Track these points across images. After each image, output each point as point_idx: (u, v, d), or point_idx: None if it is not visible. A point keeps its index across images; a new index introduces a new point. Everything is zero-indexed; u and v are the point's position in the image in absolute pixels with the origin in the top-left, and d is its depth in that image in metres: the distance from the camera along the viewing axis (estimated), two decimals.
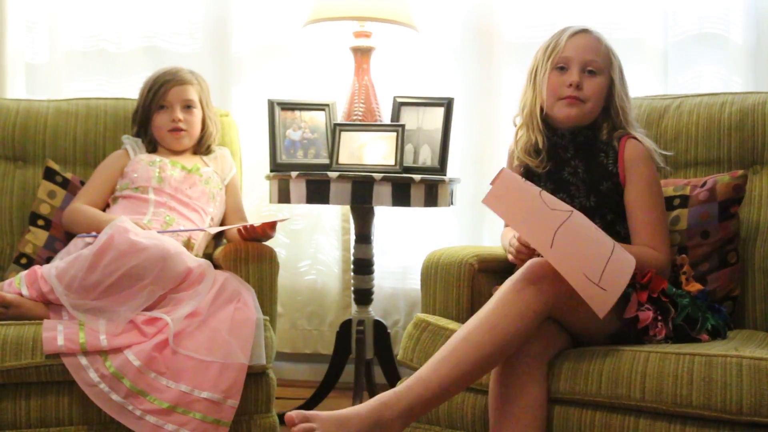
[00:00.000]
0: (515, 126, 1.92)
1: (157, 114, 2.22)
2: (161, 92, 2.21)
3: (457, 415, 1.65)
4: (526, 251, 1.67)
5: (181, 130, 2.21)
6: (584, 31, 1.82)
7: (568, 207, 1.55)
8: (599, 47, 1.81)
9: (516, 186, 1.56)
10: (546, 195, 1.55)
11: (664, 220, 1.78)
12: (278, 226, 2.11)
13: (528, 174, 1.88)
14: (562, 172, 1.84)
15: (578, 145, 1.84)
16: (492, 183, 1.55)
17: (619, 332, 1.59)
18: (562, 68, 1.80)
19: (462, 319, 1.74)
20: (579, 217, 1.55)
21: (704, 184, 1.89)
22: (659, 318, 1.59)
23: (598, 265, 1.46)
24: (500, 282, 1.81)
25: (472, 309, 1.67)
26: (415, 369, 1.74)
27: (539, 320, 1.49)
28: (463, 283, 1.81)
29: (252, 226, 2.01)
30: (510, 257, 1.76)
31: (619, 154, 1.80)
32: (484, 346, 1.44)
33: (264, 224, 2.01)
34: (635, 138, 1.81)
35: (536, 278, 1.49)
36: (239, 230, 2.04)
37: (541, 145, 1.84)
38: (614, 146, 1.81)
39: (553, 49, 1.81)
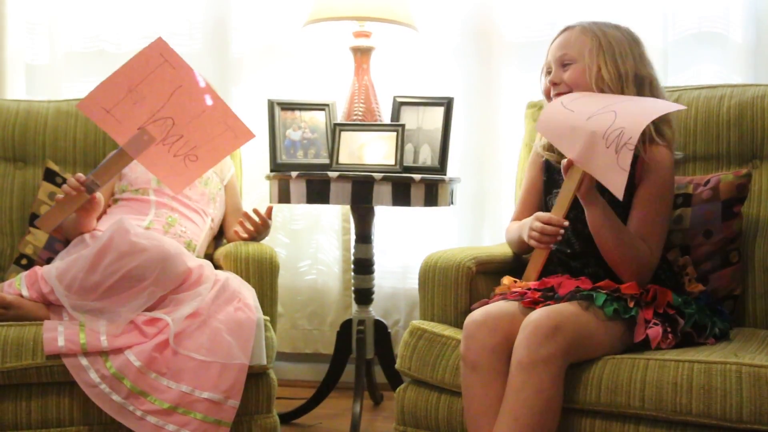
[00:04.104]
0: None
1: None
2: None
3: (457, 421, 1.64)
4: (552, 230, 1.67)
5: None
6: (565, 30, 1.81)
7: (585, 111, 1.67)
8: (570, 38, 1.78)
9: (551, 108, 1.75)
10: (566, 99, 1.73)
11: (663, 222, 1.72)
12: (278, 226, 2.12)
13: (548, 168, 1.89)
14: None
15: None
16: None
17: (630, 350, 1.56)
18: (549, 73, 1.81)
19: (460, 323, 1.71)
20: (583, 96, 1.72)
21: (707, 182, 1.87)
22: (669, 330, 1.56)
23: (608, 113, 1.60)
24: (496, 282, 1.81)
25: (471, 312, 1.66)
26: (413, 377, 1.73)
27: (561, 386, 1.48)
28: (461, 286, 1.78)
29: (254, 221, 2.05)
30: (532, 242, 1.72)
31: (640, 155, 1.71)
32: None
33: (262, 217, 2.05)
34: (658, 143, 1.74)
35: (542, 358, 1.46)
36: (237, 231, 2.06)
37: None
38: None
39: (545, 59, 1.84)
